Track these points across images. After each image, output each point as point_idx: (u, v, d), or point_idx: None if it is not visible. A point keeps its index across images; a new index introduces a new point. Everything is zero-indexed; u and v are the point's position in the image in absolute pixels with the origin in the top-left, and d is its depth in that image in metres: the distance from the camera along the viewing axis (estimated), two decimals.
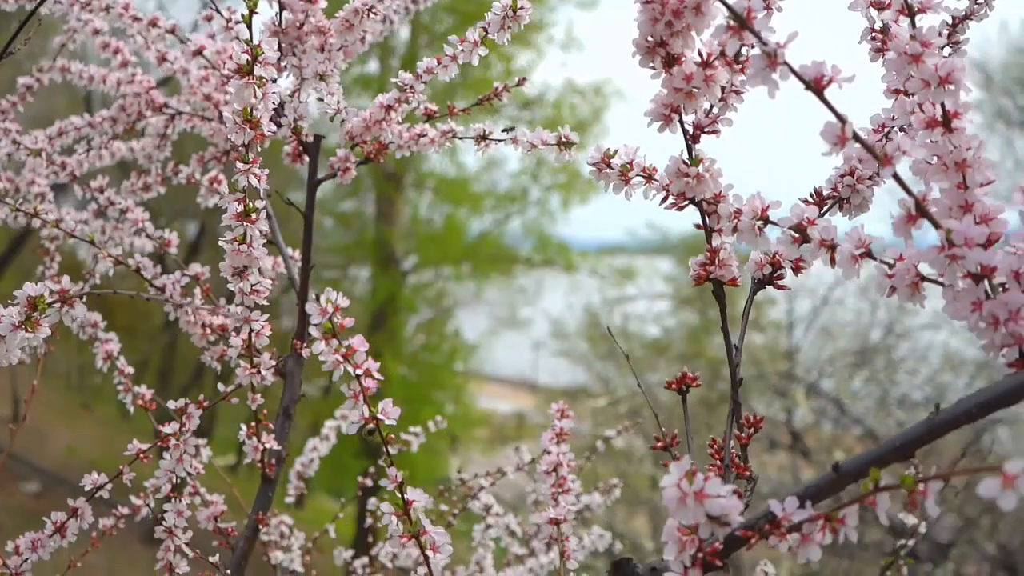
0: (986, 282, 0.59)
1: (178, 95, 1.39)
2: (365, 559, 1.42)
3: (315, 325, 0.68)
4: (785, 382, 6.69)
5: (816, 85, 0.56)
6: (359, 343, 0.69)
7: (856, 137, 0.56)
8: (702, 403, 8.37)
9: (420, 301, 12.09)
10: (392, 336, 11.25)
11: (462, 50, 0.99)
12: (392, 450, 0.73)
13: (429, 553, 0.71)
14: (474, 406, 11.83)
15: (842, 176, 0.76)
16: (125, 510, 1.23)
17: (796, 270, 0.74)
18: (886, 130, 0.77)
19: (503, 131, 1.01)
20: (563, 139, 0.95)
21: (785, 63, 0.55)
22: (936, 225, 0.57)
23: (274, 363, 1.00)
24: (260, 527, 1.07)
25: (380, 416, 0.70)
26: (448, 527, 1.42)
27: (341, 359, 0.69)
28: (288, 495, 1.57)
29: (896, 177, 0.57)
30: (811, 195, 0.76)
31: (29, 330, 0.73)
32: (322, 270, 11.64)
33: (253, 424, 1.05)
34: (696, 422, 8.13)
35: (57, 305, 0.73)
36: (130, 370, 1.19)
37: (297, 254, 1.24)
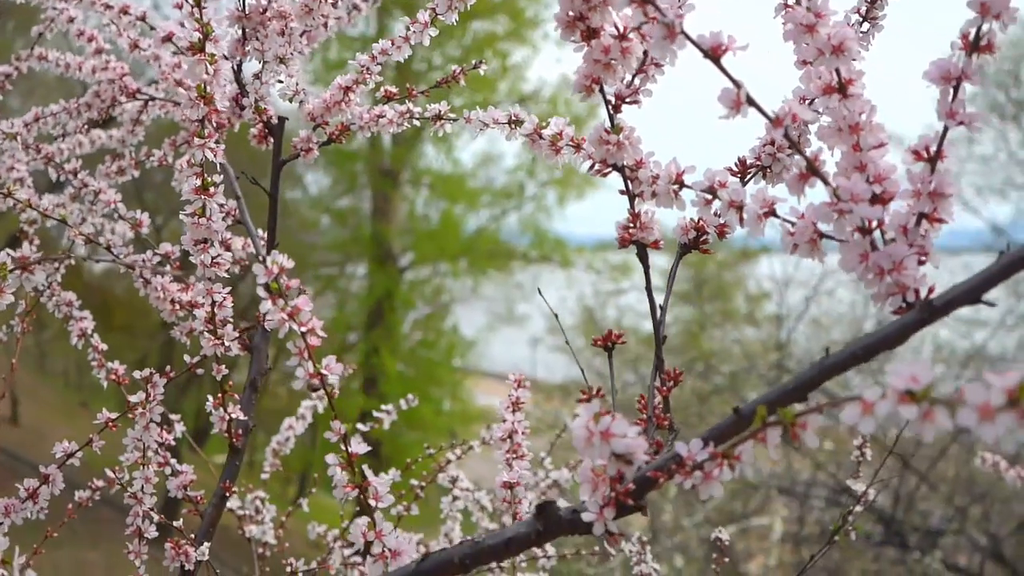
0: (879, 236, 0.63)
1: (155, 84, 1.43)
2: (336, 531, 1.47)
3: (261, 285, 0.72)
4: (776, 373, 6.74)
5: (713, 54, 0.60)
6: (303, 303, 0.73)
7: (750, 101, 0.60)
8: (695, 395, 8.43)
9: (417, 297, 12.14)
10: (389, 332, 11.29)
11: (413, 31, 1.03)
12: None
13: (372, 502, 0.75)
14: (472, 402, 11.87)
15: (764, 145, 0.80)
16: (100, 483, 1.27)
17: (721, 235, 0.79)
18: (806, 101, 0.81)
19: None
20: (513, 118, 0.99)
21: (683, 33, 0.59)
22: (826, 183, 0.61)
23: (237, 334, 1.04)
24: (227, 495, 1.11)
25: (324, 372, 0.74)
26: (416, 499, 1.47)
27: (287, 318, 0.73)
28: (264, 471, 1.62)
29: (787, 138, 0.61)
30: (735, 164, 0.80)
31: None
32: (319, 267, 11.70)
33: (220, 395, 1.09)
34: (688, 413, 8.18)
35: (17, 272, 0.77)
36: (104, 347, 1.23)
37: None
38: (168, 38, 1.19)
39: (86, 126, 1.36)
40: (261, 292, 0.73)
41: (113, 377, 1.20)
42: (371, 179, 11.70)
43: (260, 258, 1.24)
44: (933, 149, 0.62)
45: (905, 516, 6.15)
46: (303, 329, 0.73)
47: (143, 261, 1.15)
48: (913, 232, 0.62)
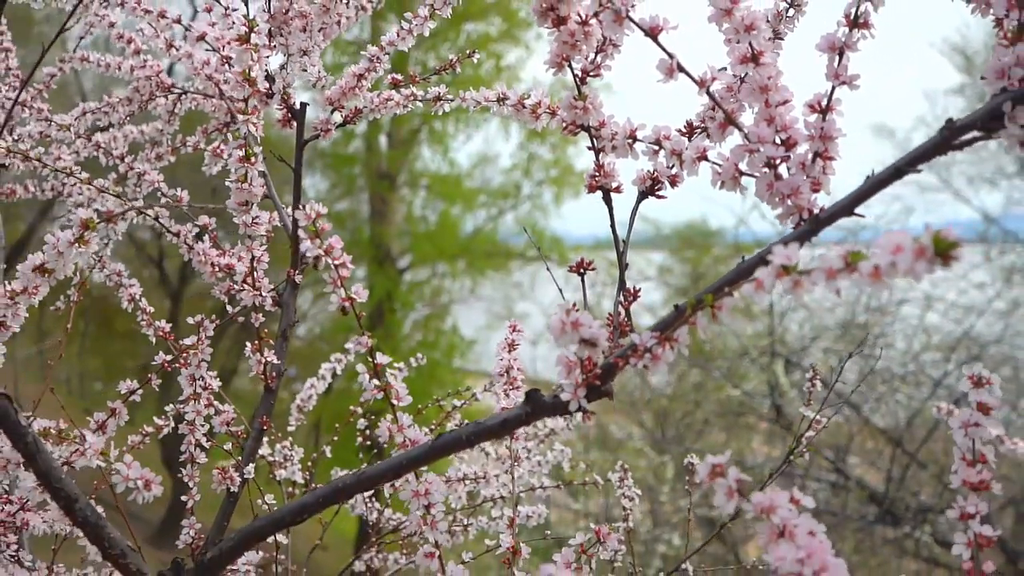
0: (784, 171, 0.81)
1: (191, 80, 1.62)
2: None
3: (302, 227, 0.90)
4: (768, 358, 6.93)
5: (652, 32, 0.78)
6: (336, 241, 0.92)
7: (680, 68, 0.78)
8: (694, 388, 8.62)
9: (416, 298, 12.29)
10: (390, 334, 11.45)
11: (416, 24, 1.22)
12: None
13: (394, 401, 0.94)
14: (474, 402, 11.94)
15: (706, 111, 0.98)
16: (149, 428, 1.45)
17: (672, 183, 0.97)
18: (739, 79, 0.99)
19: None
20: (501, 96, 1.17)
21: (628, 17, 0.78)
22: (740, 130, 0.79)
23: (272, 288, 1.22)
24: (264, 428, 1.29)
25: (354, 295, 0.92)
26: None
27: (323, 253, 0.91)
28: (289, 425, 1.80)
29: (710, 95, 0.79)
30: (684, 126, 0.99)
31: (81, 246, 0.95)
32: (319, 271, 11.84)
33: (257, 341, 1.27)
34: (687, 402, 8.37)
35: (103, 224, 0.95)
36: (151, 309, 1.41)
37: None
38: (202, 37, 1.37)
39: (128, 118, 1.55)
40: (301, 233, 0.91)
41: (161, 334, 1.38)
42: (368, 182, 11.88)
43: (286, 228, 1.42)
44: (824, 103, 0.80)
45: (897, 494, 6.33)
46: (336, 263, 0.91)
47: (185, 232, 1.33)
48: (810, 167, 0.80)
